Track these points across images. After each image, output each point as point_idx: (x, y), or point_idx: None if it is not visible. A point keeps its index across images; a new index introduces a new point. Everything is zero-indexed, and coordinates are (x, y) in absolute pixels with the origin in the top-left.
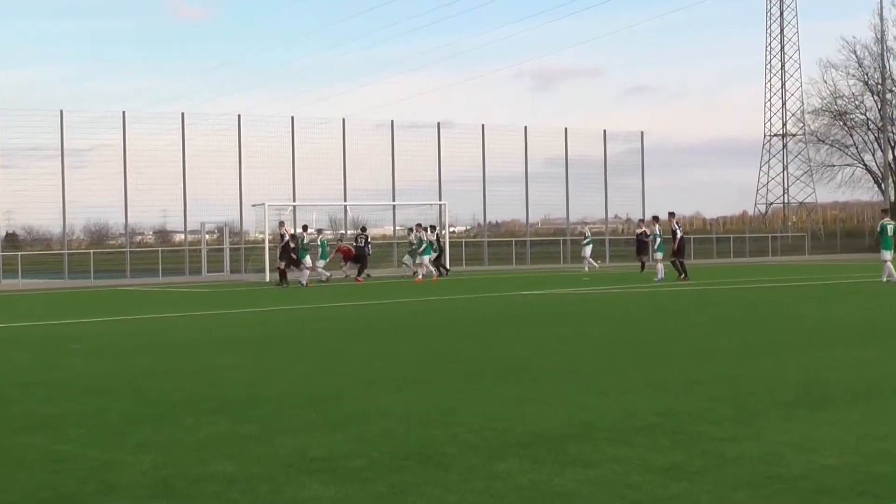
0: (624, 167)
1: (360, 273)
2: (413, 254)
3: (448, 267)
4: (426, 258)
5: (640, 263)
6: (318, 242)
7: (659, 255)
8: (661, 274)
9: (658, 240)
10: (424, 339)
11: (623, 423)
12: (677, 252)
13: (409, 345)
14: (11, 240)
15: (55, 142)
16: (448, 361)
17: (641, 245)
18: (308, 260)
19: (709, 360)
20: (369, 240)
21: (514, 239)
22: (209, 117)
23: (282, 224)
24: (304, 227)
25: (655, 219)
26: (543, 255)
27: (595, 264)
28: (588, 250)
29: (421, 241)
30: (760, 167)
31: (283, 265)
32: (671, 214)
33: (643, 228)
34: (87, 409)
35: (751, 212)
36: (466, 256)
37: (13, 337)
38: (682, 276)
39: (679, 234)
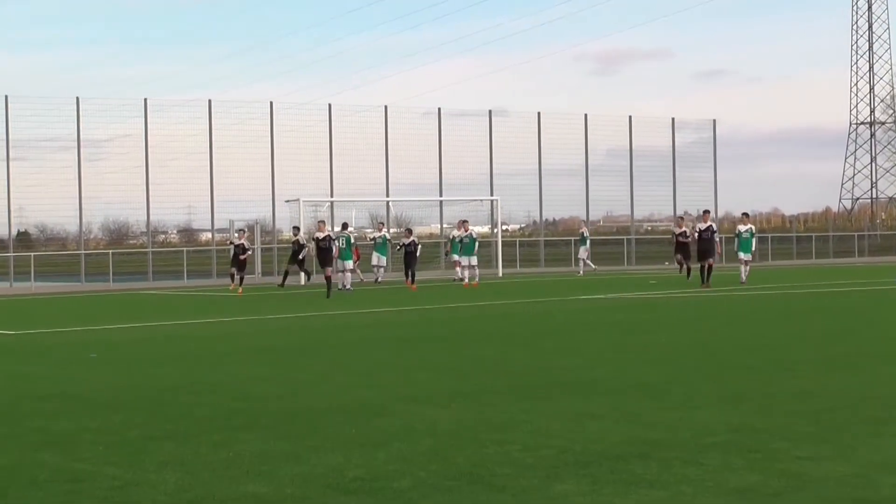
0: (694, 159)
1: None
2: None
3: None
4: (473, 259)
5: (679, 266)
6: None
7: (742, 255)
8: (743, 276)
9: (746, 236)
10: (474, 349)
11: (693, 441)
12: (688, 255)
13: (457, 355)
14: (24, 239)
15: (71, 132)
16: (500, 373)
17: (681, 245)
18: (350, 262)
19: (787, 372)
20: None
21: (572, 238)
22: (238, 105)
23: (297, 230)
24: (344, 226)
25: (707, 213)
26: (605, 255)
27: (592, 266)
28: (584, 251)
29: (472, 240)
30: (846, 159)
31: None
32: (684, 215)
33: (683, 227)
34: (106, 424)
35: (835, 208)
36: (521, 257)
37: (26, 345)
38: (686, 274)
39: (688, 238)
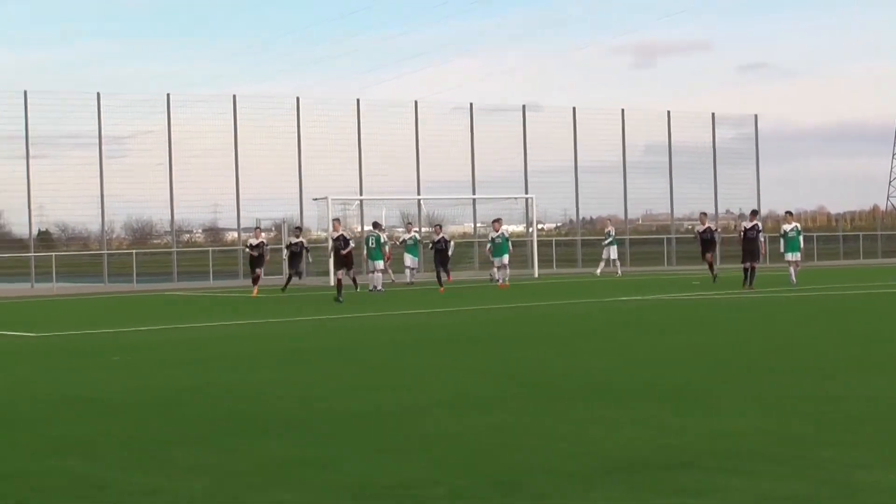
0: (735, 155)
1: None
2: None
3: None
4: (505, 258)
5: (710, 267)
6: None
7: (790, 256)
8: (793, 277)
9: (792, 236)
10: (509, 352)
11: (736, 448)
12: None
13: (491, 358)
14: (44, 238)
15: (92, 128)
16: (537, 377)
17: (706, 244)
18: (381, 263)
19: (832, 376)
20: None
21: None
22: (264, 100)
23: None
24: (375, 225)
25: (755, 213)
26: (645, 255)
27: (598, 272)
28: (613, 251)
29: (504, 239)
30: (893, 155)
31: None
32: (704, 214)
33: (706, 224)
34: (129, 429)
35: (883, 206)
36: (557, 257)
37: (47, 348)
38: (714, 278)
39: (711, 236)
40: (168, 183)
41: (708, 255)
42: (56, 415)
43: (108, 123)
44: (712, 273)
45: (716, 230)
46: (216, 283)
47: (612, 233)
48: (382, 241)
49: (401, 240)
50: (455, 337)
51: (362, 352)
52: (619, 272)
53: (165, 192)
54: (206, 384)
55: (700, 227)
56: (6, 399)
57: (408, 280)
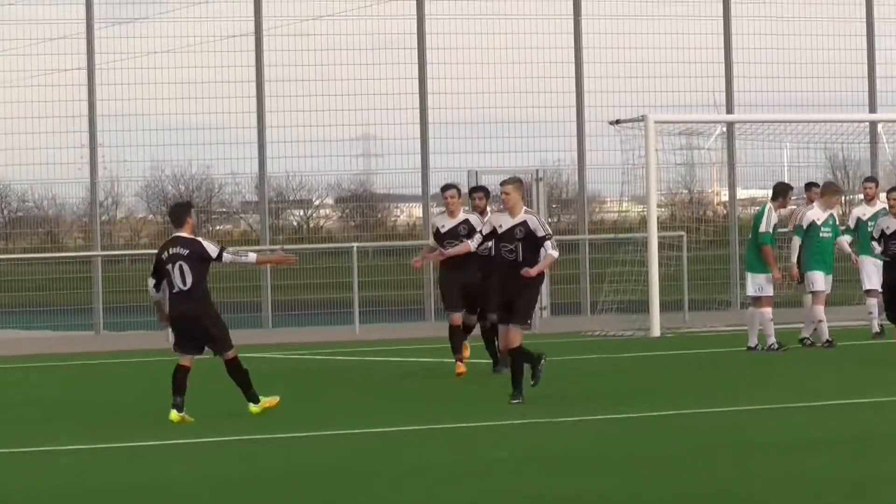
0: None
1: None
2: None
3: None
4: None
5: None
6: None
7: None
8: None
9: None
10: None
11: None
12: None
13: None
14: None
15: None
16: None
17: None
18: (764, 276)
19: None
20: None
21: None
22: None
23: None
24: (780, 189)
25: None
26: None
27: None
28: None
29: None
30: None
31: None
32: None
33: None
34: None
35: None
36: None
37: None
38: None
39: None
40: (255, 89)
41: None
42: None
43: None
44: None
45: None
46: (379, 329)
47: None
48: (765, 227)
49: (853, 221)
50: None
51: None
52: None
53: (248, 111)
54: None
55: None
56: None
57: (876, 329)
